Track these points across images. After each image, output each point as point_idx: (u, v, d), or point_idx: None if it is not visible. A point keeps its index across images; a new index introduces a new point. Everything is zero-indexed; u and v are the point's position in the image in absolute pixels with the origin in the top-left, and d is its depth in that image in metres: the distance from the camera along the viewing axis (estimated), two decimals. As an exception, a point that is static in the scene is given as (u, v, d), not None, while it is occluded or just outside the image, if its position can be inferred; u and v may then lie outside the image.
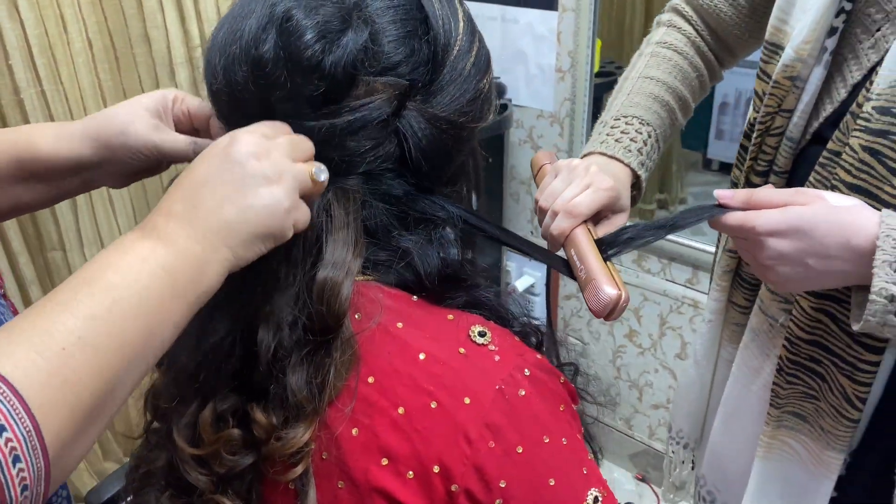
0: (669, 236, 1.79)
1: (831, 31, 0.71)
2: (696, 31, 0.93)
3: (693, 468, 1.02)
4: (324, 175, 0.53)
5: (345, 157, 0.56)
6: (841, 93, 0.72)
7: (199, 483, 0.55)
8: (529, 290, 2.04)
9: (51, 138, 0.63)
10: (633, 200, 0.84)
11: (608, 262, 0.67)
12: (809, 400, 0.77)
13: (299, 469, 0.53)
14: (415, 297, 0.59)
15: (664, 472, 1.06)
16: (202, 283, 0.47)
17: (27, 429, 0.37)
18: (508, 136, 1.94)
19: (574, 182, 0.72)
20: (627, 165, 0.81)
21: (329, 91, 0.54)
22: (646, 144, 0.83)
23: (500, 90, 1.88)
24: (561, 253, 0.72)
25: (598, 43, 1.82)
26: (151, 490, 0.59)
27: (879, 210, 0.64)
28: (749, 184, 0.82)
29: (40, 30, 1.45)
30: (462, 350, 0.55)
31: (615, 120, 0.86)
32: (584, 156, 0.83)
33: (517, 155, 2.01)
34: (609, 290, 0.63)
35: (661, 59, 0.91)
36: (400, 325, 0.56)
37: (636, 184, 0.82)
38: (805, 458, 0.77)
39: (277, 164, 0.50)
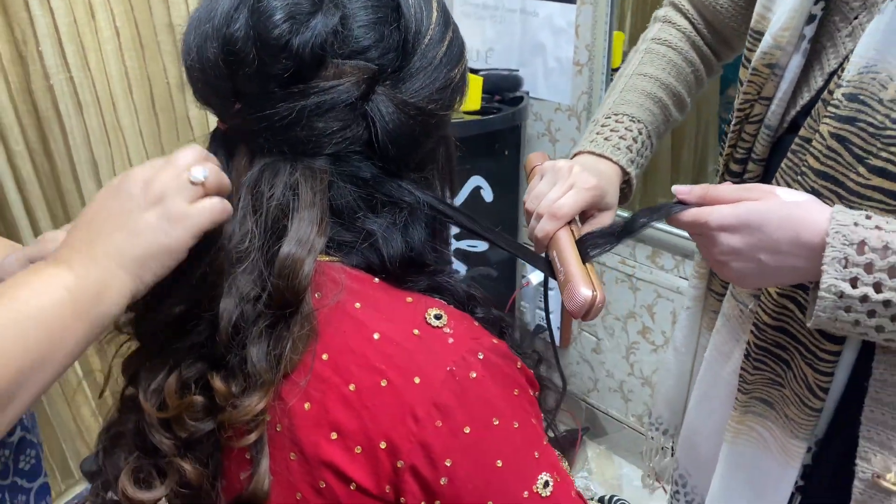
0: (684, 232, 1.77)
1: (810, 19, 0.70)
2: (693, 25, 0.92)
3: (673, 455, 1.02)
4: (200, 173, 0.56)
5: (312, 138, 0.58)
6: (818, 81, 0.71)
7: (163, 446, 0.58)
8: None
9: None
10: (626, 197, 0.84)
11: (587, 264, 0.68)
12: (775, 387, 0.76)
13: (253, 436, 0.55)
14: (376, 279, 0.60)
15: (644, 457, 1.06)
16: (102, 304, 0.52)
17: None
18: (525, 128, 1.94)
19: (558, 183, 0.73)
20: (616, 163, 0.81)
21: (297, 71, 0.56)
22: (636, 141, 0.83)
23: (516, 83, 1.88)
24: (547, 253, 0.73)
25: (622, 36, 1.81)
26: (120, 451, 0.62)
27: (841, 200, 0.64)
28: (728, 171, 0.81)
29: (70, 18, 1.51)
30: (416, 332, 0.56)
31: (606, 118, 0.86)
32: (575, 155, 0.84)
33: (535, 147, 2.01)
34: (584, 292, 0.65)
35: (654, 56, 0.90)
36: (358, 305, 0.58)
37: (628, 180, 0.83)
38: (771, 445, 0.77)
39: (160, 186, 0.54)
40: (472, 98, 1.74)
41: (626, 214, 1.71)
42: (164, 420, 0.58)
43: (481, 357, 0.56)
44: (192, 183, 0.55)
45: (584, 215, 0.76)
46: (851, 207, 0.63)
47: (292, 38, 0.54)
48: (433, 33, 0.61)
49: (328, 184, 0.59)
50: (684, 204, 0.68)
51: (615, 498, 1.00)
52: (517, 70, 1.90)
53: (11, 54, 1.48)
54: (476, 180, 1.80)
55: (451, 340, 0.56)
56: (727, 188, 0.66)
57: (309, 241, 0.57)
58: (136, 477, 0.59)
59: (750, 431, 0.79)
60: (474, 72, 1.84)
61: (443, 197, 0.69)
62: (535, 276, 2.02)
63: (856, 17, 0.68)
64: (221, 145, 0.63)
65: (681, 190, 0.67)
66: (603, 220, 0.76)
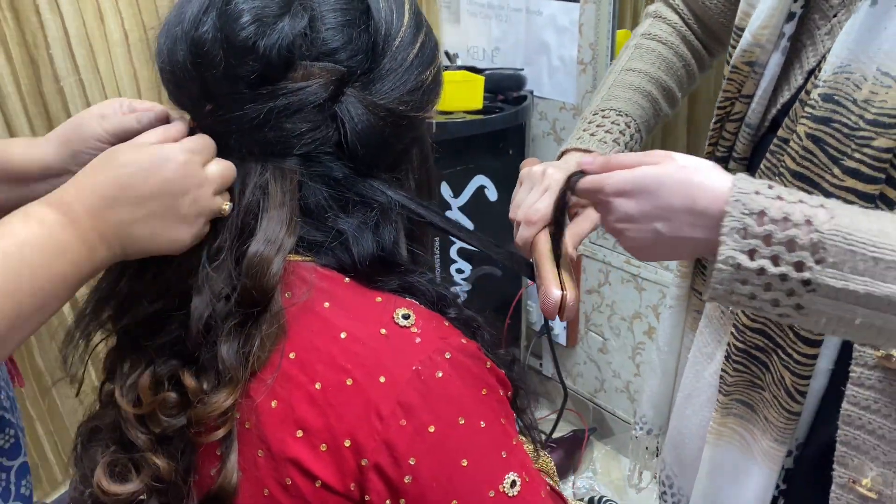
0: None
1: (790, 17, 0.70)
2: (683, 20, 0.92)
3: (658, 455, 1.02)
4: (229, 208, 0.59)
5: (281, 139, 0.58)
6: (798, 79, 0.71)
7: (138, 441, 0.59)
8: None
9: (23, 145, 0.69)
10: None
11: (561, 267, 0.69)
12: (755, 389, 0.76)
13: (221, 432, 0.56)
14: (347, 278, 0.61)
15: (630, 457, 1.06)
16: (92, 273, 0.54)
17: None
18: (530, 127, 1.94)
19: (533, 189, 0.74)
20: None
21: (265, 73, 0.57)
22: (622, 134, 0.83)
23: (520, 82, 1.88)
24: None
25: (628, 34, 1.80)
26: (97, 445, 0.63)
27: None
28: None
29: (79, 21, 1.55)
30: (383, 331, 0.57)
31: (593, 115, 0.86)
32: (562, 153, 0.84)
33: (541, 147, 2.01)
34: (554, 292, 0.66)
35: (644, 51, 0.90)
36: (327, 304, 0.59)
37: None
38: (753, 447, 0.76)
39: (201, 205, 0.56)
40: (474, 97, 1.75)
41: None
42: (139, 415, 0.60)
43: (448, 357, 0.57)
44: (222, 212, 0.58)
45: (570, 213, 0.76)
46: None
47: (259, 41, 0.55)
48: (404, 35, 0.62)
49: (298, 184, 0.60)
50: (586, 173, 0.65)
51: (604, 499, 1.00)
52: (521, 69, 1.90)
53: (23, 57, 1.52)
54: (480, 180, 1.81)
55: (418, 340, 0.57)
56: (629, 155, 0.62)
57: (278, 240, 0.58)
58: (111, 470, 0.60)
59: (731, 434, 0.79)
60: (478, 71, 1.84)
61: (420, 198, 0.70)
62: (541, 276, 2.01)
63: (835, 15, 0.67)
64: None
65: (585, 160, 0.65)
66: (590, 215, 0.76)
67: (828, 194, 0.63)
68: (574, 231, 0.76)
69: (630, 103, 0.86)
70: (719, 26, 0.90)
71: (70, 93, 1.57)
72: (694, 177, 0.56)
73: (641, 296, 1.89)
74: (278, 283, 0.57)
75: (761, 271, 0.53)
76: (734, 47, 0.76)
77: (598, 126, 0.84)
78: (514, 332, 2.12)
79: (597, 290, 2.00)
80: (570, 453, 2.02)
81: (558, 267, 0.70)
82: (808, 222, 0.52)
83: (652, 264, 1.84)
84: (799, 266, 0.52)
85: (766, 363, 0.74)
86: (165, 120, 0.67)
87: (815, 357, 0.68)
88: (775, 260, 0.52)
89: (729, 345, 0.77)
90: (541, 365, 2.27)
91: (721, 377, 0.79)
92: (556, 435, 2.05)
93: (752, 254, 0.53)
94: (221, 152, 0.60)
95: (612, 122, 0.84)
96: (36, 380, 1.68)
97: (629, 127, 0.84)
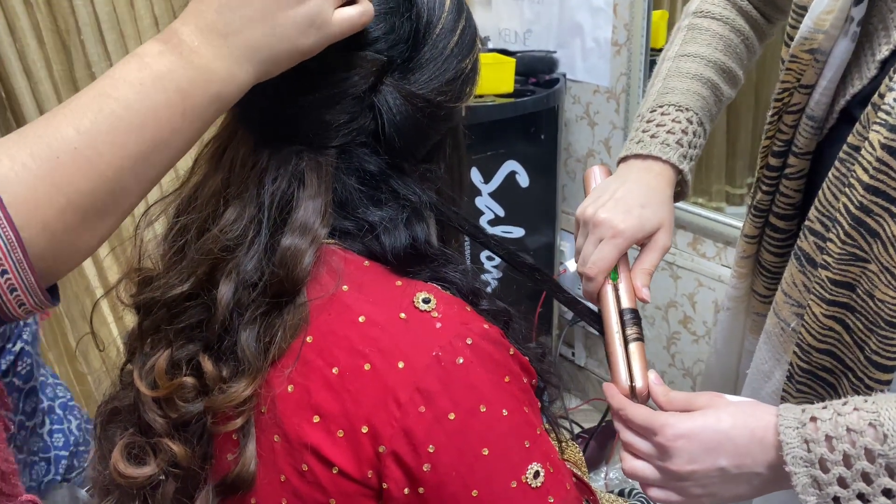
0: (726, 219, 1.70)
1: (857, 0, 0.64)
2: None
3: None
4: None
5: (319, 129, 0.57)
6: (871, 69, 0.64)
7: (156, 425, 0.58)
8: (583, 271, 2.00)
9: None
10: (681, 195, 0.80)
11: (632, 343, 0.69)
12: None
13: (239, 421, 0.55)
14: (367, 262, 0.59)
15: None
16: (219, 101, 0.49)
17: (9, 239, 0.41)
18: (562, 111, 1.90)
19: (588, 239, 0.73)
20: (667, 162, 0.76)
21: (306, 62, 0.55)
22: (685, 133, 0.77)
23: (552, 64, 1.84)
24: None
25: (665, 14, 1.74)
26: (117, 426, 0.63)
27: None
28: (767, 165, 0.75)
29: (109, 7, 1.55)
30: (403, 315, 0.55)
31: (651, 112, 0.80)
32: (622, 159, 0.79)
33: (574, 131, 1.96)
34: (622, 384, 0.68)
35: (698, 32, 0.83)
36: (345, 288, 0.57)
37: (683, 176, 0.78)
38: None
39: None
40: (505, 80, 1.71)
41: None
42: (157, 399, 0.59)
43: (470, 342, 0.55)
44: None
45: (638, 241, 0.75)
46: None
47: None
48: (445, 22, 0.60)
49: (332, 175, 0.58)
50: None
51: (635, 492, 0.96)
52: (554, 51, 1.86)
53: (55, 44, 1.53)
54: (511, 165, 1.77)
55: (438, 325, 0.55)
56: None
57: (312, 231, 0.57)
58: (128, 453, 0.60)
59: None
60: (509, 54, 1.81)
61: (451, 184, 0.68)
62: (572, 264, 1.97)
63: None
64: (225, 130, 0.63)
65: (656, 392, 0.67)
66: (658, 241, 0.74)
67: None
68: (642, 268, 0.73)
69: (689, 94, 0.79)
70: None
71: (101, 78, 1.58)
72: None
73: (677, 284, 1.84)
74: (308, 276, 0.55)
75: None
76: (793, 27, 0.69)
77: (658, 126, 0.77)
78: (546, 320, 2.09)
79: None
80: (602, 444, 1.99)
81: (625, 343, 0.70)
82: (868, 451, 0.53)
83: (687, 251, 1.78)
84: (888, 493, 0.53)
85: (833, 385, 0.69)
86: None
87: (888, 383, 0.63)
88: (863, 498, 0.54)
89: (792, 364, 0.72)
90: (573, 354, 2.23)
91: (783, 397, 0.74)
92: (588, 426, 2.01)
93: (837, 501, 0.54)
94: (256, 139, 0.59)
95: (673, 120, 0.77)
96: (70, 364, 1.71)
97: (691, 123, 0.78)
